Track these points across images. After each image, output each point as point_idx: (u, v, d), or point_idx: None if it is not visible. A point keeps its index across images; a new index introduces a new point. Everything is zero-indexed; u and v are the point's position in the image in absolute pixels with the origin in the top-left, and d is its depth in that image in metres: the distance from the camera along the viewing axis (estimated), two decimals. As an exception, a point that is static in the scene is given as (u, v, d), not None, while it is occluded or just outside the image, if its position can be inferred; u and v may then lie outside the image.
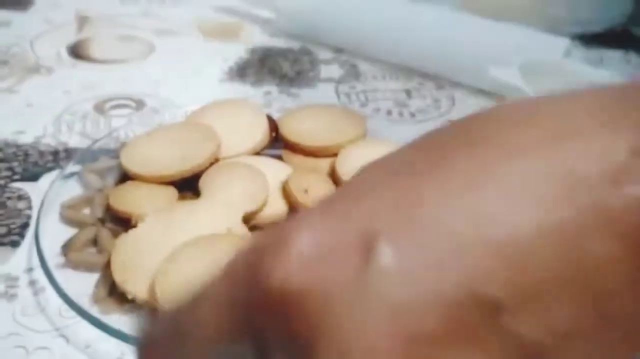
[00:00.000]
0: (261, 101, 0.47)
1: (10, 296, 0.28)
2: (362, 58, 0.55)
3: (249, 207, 0.30)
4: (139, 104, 0.46)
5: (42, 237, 0.29)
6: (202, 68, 0.53)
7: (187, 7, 0.64)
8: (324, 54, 0.58)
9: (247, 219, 0.30)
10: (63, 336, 0.26)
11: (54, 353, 0.25)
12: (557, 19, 0.58)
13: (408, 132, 0.44)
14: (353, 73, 0.54)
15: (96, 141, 0.37)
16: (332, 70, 0.55)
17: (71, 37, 0.59)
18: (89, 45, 0.57)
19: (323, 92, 0.50)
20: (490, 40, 0.51)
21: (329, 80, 0.53)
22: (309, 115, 0.39)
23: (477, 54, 0.50)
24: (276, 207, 0.32)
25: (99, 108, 0.45)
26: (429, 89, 0.51)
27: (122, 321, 0.26)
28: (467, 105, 0.49)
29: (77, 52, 0.55)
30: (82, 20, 0.63)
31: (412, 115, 0.47)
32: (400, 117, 0.47)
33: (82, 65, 0.53)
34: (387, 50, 0.54)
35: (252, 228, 0.30)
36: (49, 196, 0.32)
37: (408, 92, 0.50)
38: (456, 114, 0.48)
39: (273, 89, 0.50)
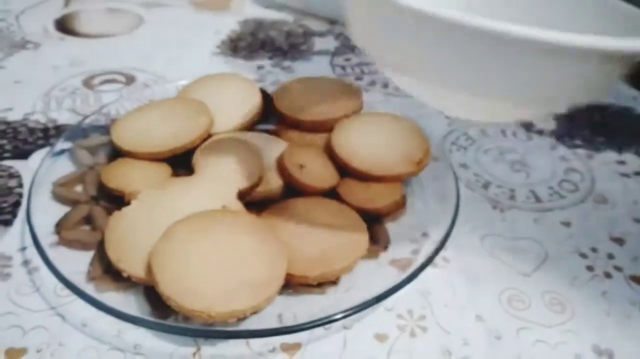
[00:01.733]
0: (254, 74, 0.46)
1: (4, 276, 0.28)
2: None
3: (244, 184, 0.30)
4: (129, 79, 0.45)
5: (35, 216, 0.28)
6: (193, 41, 0.52)
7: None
8: (317, 26, 0.57)
9: (242, 196, 0.30)
10: (59, 314, 0.26)
11: (51, 332, 0.25)
12: None
13: (404, 105, 0.43)
14: (348, 45, 0.53)
15: (86, 117, 0.36)
16: (327, 43, 0.54)
17: (58, 11, 0.58)
18: (76, 19, 0.56)
19: (317, 65, 0.49)
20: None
21: (323, 53, 0.52)
22: (304, 88, 0.38)
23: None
24: (271, 183, 0.31)
25: (88, 83, 0.44)
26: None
27: (118, 299, 0.25)
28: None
29: (64, 26, 0.54)
30: (69, -6, 0.61)
31: (408, 88, 0.46)
32: (396, 91, 0.46)
33: (69, 40, 0.52)
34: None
35: (247, 205, 0.30)
36: (40, 174, 0.31)
37: (404, 65, 0.50)
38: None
39: (266, 62, 0.49)
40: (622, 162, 0.39)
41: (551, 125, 0.42)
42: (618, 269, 0.30)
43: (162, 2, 0.59)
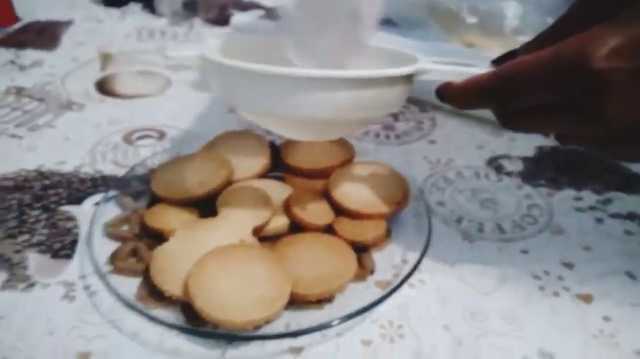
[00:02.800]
0: (264, 129, 0.54)
1: (70, 298, 0.35)
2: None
3: (257, 222, 0.37)
4: (161, 135, 0.53)
5: (94, 250, 0.36)
6: (214, 100, 0.60)
7: (198, 44, 0.72)
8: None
9: (256, 232, 0.37)
10: (116, 327, 0.33)
11: (109, 340, 0.32)
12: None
13: (393, 152, 0.51)
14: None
15: (130, 169, 0.44)
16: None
17: (96, 73, 0.67)
18: (113, 81, 0.65)
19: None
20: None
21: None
22: (306, 142, 0.46)
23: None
24: (280, 221, 0.39)
25: (127, 139, 0.53)
26: (413, 112, 0.59)
27: (161, 313, 0.33)
28: (447, 126, 0.56)
29: (103, 88, 0.63)
30: (105, 58, 0.71)
31: (398, 137, 0.54)
32: (387, 139, 0.54)
33: (108, 100, 0.61)
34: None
35: (260, 239, 0.37)
36: (96, 218, 0.39)
37: (395, 116, 0.58)
38: (437, 134, 0.55)
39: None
40: (579, 199, 0.46)
41: (519, 167, 0.49)
42: (566, 289, 0.37)
43: (186, 66, 0.68)
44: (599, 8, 0.27)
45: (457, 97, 0.30)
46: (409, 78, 0.32)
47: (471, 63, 0.31)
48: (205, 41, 0.73)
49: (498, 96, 0.28)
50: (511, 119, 0.30)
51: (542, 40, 0.30)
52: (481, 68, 0.30)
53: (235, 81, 0.32)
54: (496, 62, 0.31)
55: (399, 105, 0.34)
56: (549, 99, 0.27)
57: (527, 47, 0.31)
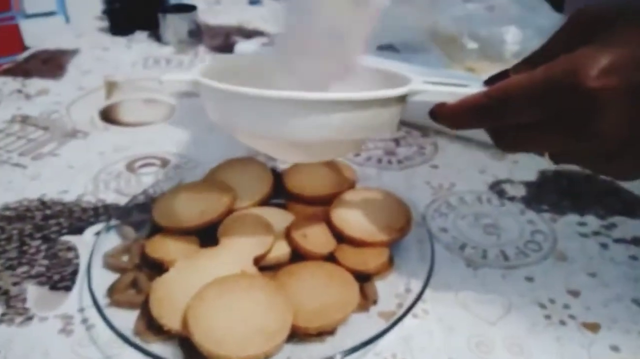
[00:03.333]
0: (266, 156, 0.54)
1: (68, 332, 0.35)
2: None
3: (258, 252, 0.37)
4: (164, 162, 0.54)
5: (93, 283, 0.35)
6: (216, 127, 0.61)
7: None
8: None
9: (257, 261, 0.37)
10: (113, 362, 0.33)
11: (107, 375, 0.32)
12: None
13: (395, 177, 0.51)
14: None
15: (132, 198, 0.44)
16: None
17: (101, 102, 0.67)
18: (118, 109, 0.65)
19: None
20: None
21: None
22: (307, 169, 0.46)
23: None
24: (280, 250, 0.38)
25: (130, 167, 0.53)
26: (414, 137, 0.59)
27: (159, 348, 0.32)
28: (449, 151, 0.56)
29: (107, 116, 0.64)
30: (110, 86, 0.72)
31: (400, 162, 0.54)
32: (389, 164, 0.54)
33: (112, 128, 0.61)
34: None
35: (261, 269, 0.37)
36: (95, 248, 0.39)
37: (396, 141, 0.58)
38: (439, 159, 0.54)
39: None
40: (583, 224, 0.45)
41: (522, 192, 0.49)
42: (572, 317, 0.36)
43: (190, 92, 0.69)
44: (585, 30, 0.28)
45: (450, 117, 0.31)
46: (402, 98, 0.32)
47: (464, 83, 0.31)
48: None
49: (490, 115, 0.29)
50: (504, 138, 0.30)
51: (532, 60, 0.31)
52: (474, 88, 0.30)
53: (229, 104, 0.32)
54: (489, 82, 0.31)
55: (393, 125, 0.34)
56: (540, 117, 0.28)
57: (517, 67, 0.31)
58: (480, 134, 0.48)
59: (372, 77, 0.37)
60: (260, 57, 0.40)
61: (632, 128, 0.26)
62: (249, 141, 0.35)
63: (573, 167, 0.52)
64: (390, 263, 0.39)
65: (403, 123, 0.60)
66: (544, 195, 0.49)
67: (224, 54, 0.81)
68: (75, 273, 0.40)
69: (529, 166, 0.53)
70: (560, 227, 0.45)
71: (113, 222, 0.42)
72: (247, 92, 0.30)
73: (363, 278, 0.37)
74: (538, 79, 0.27)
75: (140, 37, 0.89)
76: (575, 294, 0.38)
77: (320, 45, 0.34)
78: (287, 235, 0.39)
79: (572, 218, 0.46)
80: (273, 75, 0.35)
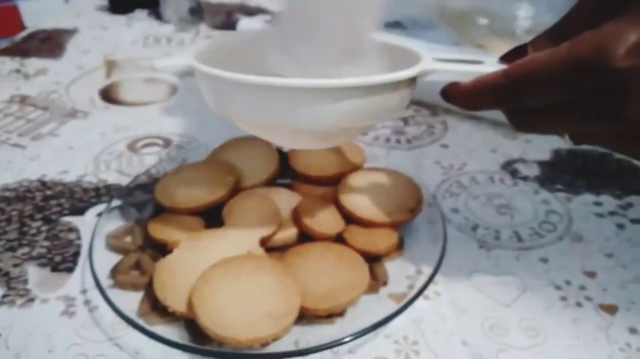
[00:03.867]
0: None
1: (70, 314, 0.34)
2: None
3: (265, 233, 0.36)
4: (166, 142, 0.52)
5: (95, 264, 0.34)
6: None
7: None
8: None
9: (263, 242, 0.36)
10: (116, 344, 0.32)
11: (110, 359, 0.31)
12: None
13: (404, 157, 0.49)
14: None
15: (134, 178, 0.43)
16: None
17: (101, 81, 0.66)
18: (118, 89, 0.64)
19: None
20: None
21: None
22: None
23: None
24: (288, 231, 0.37)
25: (132, 147, 0.52)
26: (423, 116, 0.57)
27: (164, 330, 0.31)
28: (459, 130, 0.54)
29: (108, 95, 0.62)
30: (110, 65, 0.70)
31: (408, 141, 0.53)
32: (398, 144, 0.52)
33: (113, 108, 0.60)
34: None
35: (268, 250, 0.36)
36: (98, 229, 0.38)
37: (405, 120, 0.56)
38: (449, 138, 0.53)
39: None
40: (598, 204, 0.44)
41: (535, 171, 0.48)
42: (589, 299, 0.35)
43: (191, 71, 0.67)
44: (611, 0, 0.25)
45: (465, 98, 0.29)
46: (412, 79, 0.30)
47: (478, 59, 0.30)
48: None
49: (509, 96, 0.27)
50: (523, 120, 0.29)
51: (553, 35, 0.29)
52: (489, 66, 0.29)
53: (227, 92, 0.30)
54: (505, 58, 0.29)
55: (403, 107, 0.32)
56: (563, 98, 0.26)
57: (536, 43, 0.29)
58: (492, 113, 0.46)
59: (377, 52, 0.35)
60: (260, 35, 0.37)
61: None
62: (249, 128, 0.33)
63: (588, 146, 0.50)
64: (400, 244, 0.38)
65: (411, 102, 0.58)
66: (558, 175, 0.47)
67: (223, 33, 0.79)
68: (77, 254, 0.39)
69: (542, 145, 0.51)
70: (576, 208, 0.43)
71: (115, 202, 0.41)
72: (247, 79, 0.28)
73: (372, 259, 0.36)
74: (562, 58, 0.25)
75: (140, 16, 0.87)
76: (591, 275, 0.37)
77: (326, 23, 0.32)
78: (294, 216, 0.38)
79: (588, 198, 0.44)
80: (274, 57, 0.33)
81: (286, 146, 0.42)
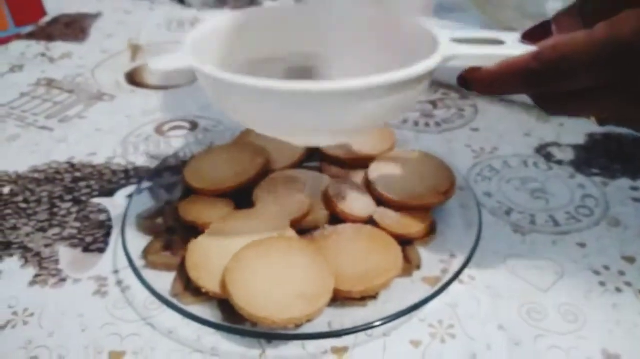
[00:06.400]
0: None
1: (102, 294, 0.34)
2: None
3: (295, 214, 0.36)
4: (193, 125, 0.52)
5: (128, 245, 0.34)
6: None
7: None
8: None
9: (294, 224, 0.35)
10: (149, 324, 0.32)
11: (143, 338, 0.31)
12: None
13: (433, 141, 0.48)
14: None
15: (163, 161, 0.43)
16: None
17: (126, 65, 0.66)
18: (143, 72, 0.64)
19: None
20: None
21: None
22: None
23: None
24: (319, 213, 0.37)
25: (159, 130, 0.51)
26: (453, 99, 0.56)
27: (198, 310, 0.31)
28: (489, 113, 0.53)
29: (133, 79, 0.62)
30: (135, 49, 0.70)
31: (438, 124, 0.52)
32: (427, 127, 0.51)
33: (139, 91, 0.59)
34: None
35: (299, 232, 0.35)
36: (129, 210, 0.38)
37: (434, 104, 0.55)
38: (479, 122, 0.52)
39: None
40: (635, 189, 0.42)
41: (570, 155, 0.46)
42: (628, 284, 0.34)
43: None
44: None
45: (489, 83, 0.27)
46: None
47: (499, 38, 0.28)
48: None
49: (542, 80, 0.26)
50: (553, 104, 0.27)
51: (577, 10, 0.27)
52: (512, 48, 0.27)
53: (235, 98, 0.28)
54: (527, 36, 0.28)
55: (423, 95, 0.31)
56: (599, 82, 0.24)
57: (559, 18, 0.27)
58: (523, 96, 0.45)
59: (388, 33, 0.33)
60: (251, 15, 0.36)
61: None
62: (262, 132, 0.32)
63: (622, 130, 0.49)
64: (432, 228, 0.37)
65: (440, 85, 0.57)
66: (593, 159, 0.46)
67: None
68: (107, 235, 0.39)
69: (576, 128, 0.50)
70: (612, 192, 0.42)
71: (145, 184, 0.41)
72: (254, 84, 0.25)
73: (404, 243, 0.35)
74: (600, 41, 0.23)
75: (163, 0, 0.86)
76: (630, 260, 0.36)
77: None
78: (325, 198, 0.38)
79: (624, 182, 0.43)
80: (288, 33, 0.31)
81: (302, 145, 0.41)
